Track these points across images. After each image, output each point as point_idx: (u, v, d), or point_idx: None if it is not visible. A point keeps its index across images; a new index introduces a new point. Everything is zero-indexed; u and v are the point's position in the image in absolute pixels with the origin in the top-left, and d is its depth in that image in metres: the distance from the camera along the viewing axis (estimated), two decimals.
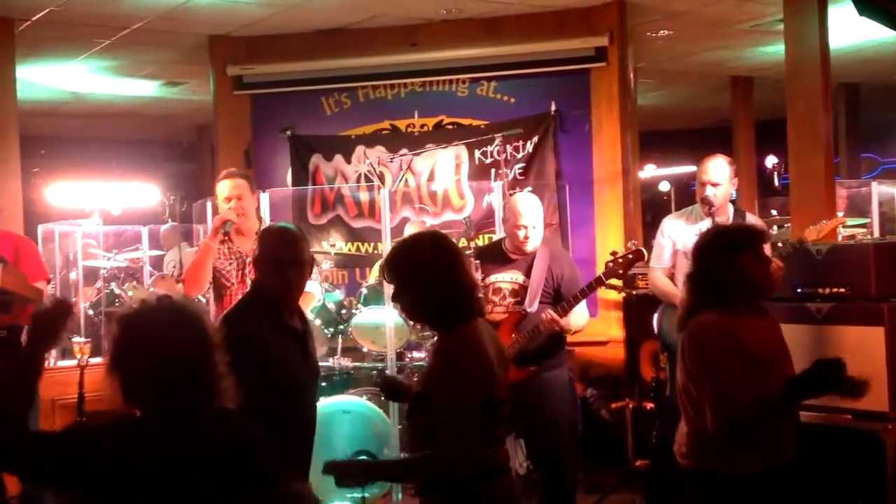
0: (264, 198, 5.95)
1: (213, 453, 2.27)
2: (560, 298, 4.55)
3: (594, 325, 6.85)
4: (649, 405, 5.90)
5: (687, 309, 3.14)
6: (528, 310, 4.50)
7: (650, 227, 5.60)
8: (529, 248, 4.57)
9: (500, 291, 4.60)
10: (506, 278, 4.61)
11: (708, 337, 3.01)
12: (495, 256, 4.68)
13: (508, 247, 4.66)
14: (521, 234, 4.55)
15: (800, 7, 6.10)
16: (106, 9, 6.60)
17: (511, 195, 5.23)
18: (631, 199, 7.18)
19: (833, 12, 6.04)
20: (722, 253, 3.10)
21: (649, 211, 9.21)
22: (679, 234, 4.88)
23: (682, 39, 8.14)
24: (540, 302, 4.52)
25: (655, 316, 5.08)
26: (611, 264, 4.60)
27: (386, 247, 6.08)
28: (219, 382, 2.30)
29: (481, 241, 6.38)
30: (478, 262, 4.65)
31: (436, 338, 2.91)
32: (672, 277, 4.92)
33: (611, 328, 6.85)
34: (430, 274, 2.76)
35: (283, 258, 3.28)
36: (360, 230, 7.41)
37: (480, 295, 3.20)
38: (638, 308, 6.14)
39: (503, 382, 2.84)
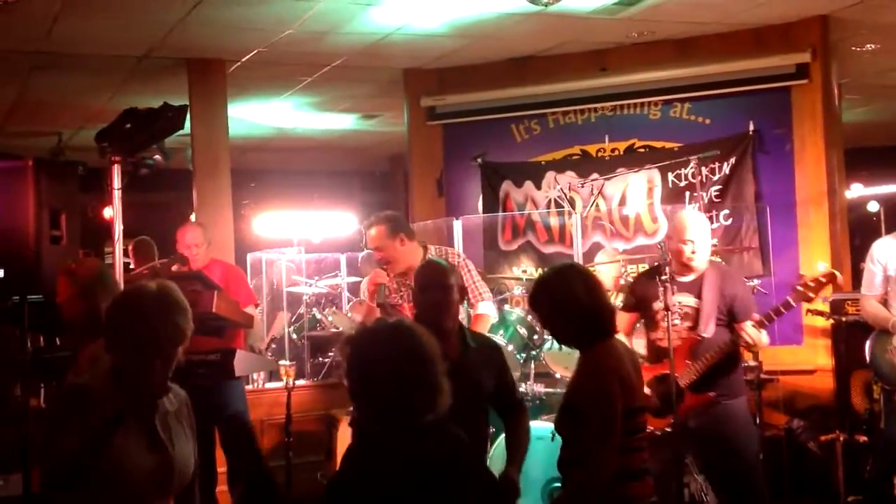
0: (457, 225, 6.08)
1: (438, 463, 2.43)
2: (735, 319, 4.39)
3: (800, 353, 6.57)
4: (862, 438, 5.56)
5: None
6: (704, 334, 4.34)
7: (859, 250, 5.30)
8: (696, 264, 4.41)
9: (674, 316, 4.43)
10: (675, 302, 4.41)
11: None
12: (660, 281, 4.48)
13: (674, 268, 4.47)
14: (688, 249, 4.41)
15: None
16: (309, 48, 6.94)
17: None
18: (837, 220, 6.83)
19: None
20: None
21: (857, 233, 8.70)
22: (891, 259, 4.61)
23: (890, 53, 7.69)
24: (716, 325, 4.36)
25: (868, 344, 4.79)
26: (800, 288, 4.39)
27: None
28: (438, 395, 2.48)
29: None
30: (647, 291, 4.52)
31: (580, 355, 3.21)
32: (885, 304, 4.64)
33: (818, 356, 6.52)
34: (577, 300, 3.12)
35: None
36: (551, 256, 7.40)
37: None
38: (848, 335, 5.82)
39: (640, 392, 3.19)
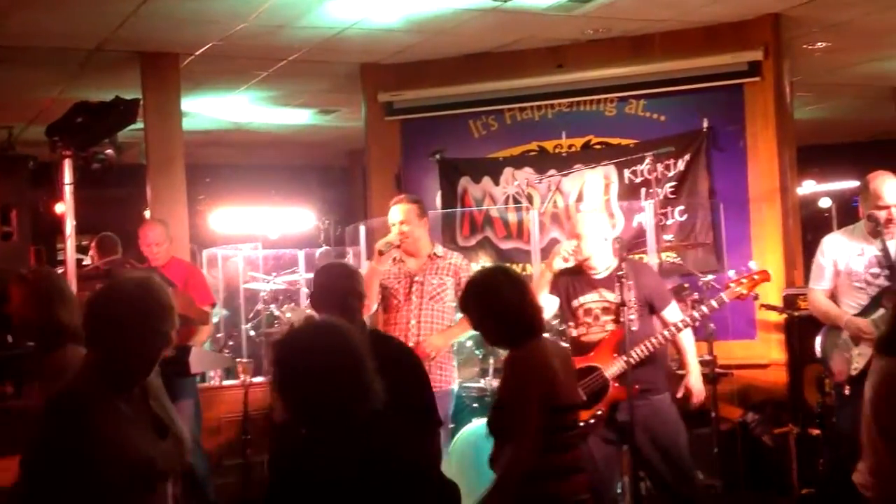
0: None
1: (374, 456, 2.41)
2: (654, 310, 4.53)
3: (754, 348, 6.66)
4: (815, 432, 5.65)
5: (887, 336, 2.83)
6: (631, 328, 4.40)
7: (811, 246, 5.38)
8: (593, 263, 4.50)
9: (591, 312, 4.55)
10: (594, 298, 4.54)
11: None
12: (577, 278, 4.62)
13: (584, 266, 4.59)
14: (582, 246, 4.49)
15: None
16: (264, 42, 6.89)
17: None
18: (790, 216, 6.93)
19: None
20: None
21: (809, 229, 8.84)
22: (841, 253, 4.66)
23: (842, 51, 7.81)
24: (639, 316, 4.45)
25: (818, 339, 4.86)
26: (732, 284, 4.55)
27: (535, 268, 6.08)
28: (370, 393, 2.45)
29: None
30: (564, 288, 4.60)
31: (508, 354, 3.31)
32: (834, 298, 4.71)
33: (771, 351, 6.61)
34: (505, 302, 3.23)
35: None
36: (509, 251, 7.42)
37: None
38: (800, 330, 5.90)
39: (570, 390, 3.32)
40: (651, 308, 4.55)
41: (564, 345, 4.50)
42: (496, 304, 3.25)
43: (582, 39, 7.18)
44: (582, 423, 4.35)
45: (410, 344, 4.65)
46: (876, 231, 4.51)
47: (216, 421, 6.12)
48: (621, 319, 4.38)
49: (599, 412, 4.40)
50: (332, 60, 7.57)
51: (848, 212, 9.81)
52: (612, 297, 4.49)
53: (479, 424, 5.11)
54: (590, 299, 4.56)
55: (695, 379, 4.60)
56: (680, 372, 4.84)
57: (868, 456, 2.87)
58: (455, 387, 4.96)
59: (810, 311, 5.03)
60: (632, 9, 6.47)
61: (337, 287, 3.69)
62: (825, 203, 11.37)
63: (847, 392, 4.54)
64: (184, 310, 5.03)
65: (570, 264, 4.59)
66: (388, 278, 4.91)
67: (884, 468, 2.79)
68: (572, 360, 3.46)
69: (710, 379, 5.70)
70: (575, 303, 4.58)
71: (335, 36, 6.83)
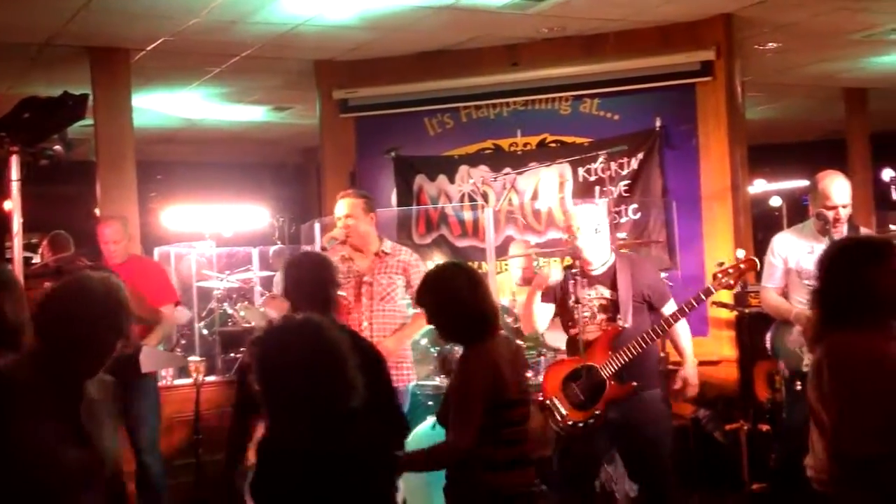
0: None
1: (349, 451, 2.43)
2: (652, 308, 4.45)
3: (706, 345, 6.71)
4: (765, 427, 5.72)
5: (818, 328, 2.96)
6: (625, 325, 4.37)
7: (761, 244, 5.45)
8: (587, 256, 4.44)
9: (588, 309, 4.47)
10: (591, 295, 4.46)
11: (849, 359, 2.81)
12: (575, 276, 4.53)
13: (580, 262, 4.51)
14: (576, 239, 4.44)
15: None
16: (217, 38, 6.81)
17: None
18: (741, 215, 7.01)
19: None
20: (850, 267, 2.93)
21: (760, 227, 8.96)
22: (791, 251, 4.73)
23: (792, 52, 7.93)
24: (634, 313, 4.40)
25: (769, 335, 4.92)
26: (720, 275, 4.43)
27: (490, 266, 6.09)
28: (352, 389, 2.47)
29: None
30: (571, 281, 4.51)
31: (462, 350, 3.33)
32: (785, 296, 4.77)
33: (723, 347, 6.68)
34: (461, 299, 3.23)
35: None
36: (464, 249, 7.42)
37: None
38: (751, 327, 5.96)
39: (518, 386, 3.32)
40: (649, 305, 4.47)
41: (520, 342, 4.49)
42: (452, 300, 3.25)
43: (537, 38, 7.20)
44: (581, 424, 4.34)
45: None
46: (824, 229, 4.57)
47: (168, 420, 6.03)
48: (617, 317, 4.36)
49: (598, 412, 4.33)
50: (286, 57, 7.52)
51: (798, 210, 9.98)
52: (608, 293, 4.44)
53: (432, 422, 5.10)
54: (586, 295, 4.47)
55: (690, 370, 4.53)
56: (670, 367, 4.81)
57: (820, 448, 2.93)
58: (411, 385, 4.93)
59: (762, 308, 5.09)
60: (586, 8, 6.51)
61: (319, 278, 3.64)
62: (776, 202, 11.53)
63: (798, 387, 4.59)
64: (134, 308, 5.00)
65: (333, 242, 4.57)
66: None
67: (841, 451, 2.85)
68: (524, 356, 3.49)
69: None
70: (571, 301, 4.48)
71: (289, 32, 6.78)
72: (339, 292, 4.53)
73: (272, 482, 2.46)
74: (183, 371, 6.54)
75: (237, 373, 3.96)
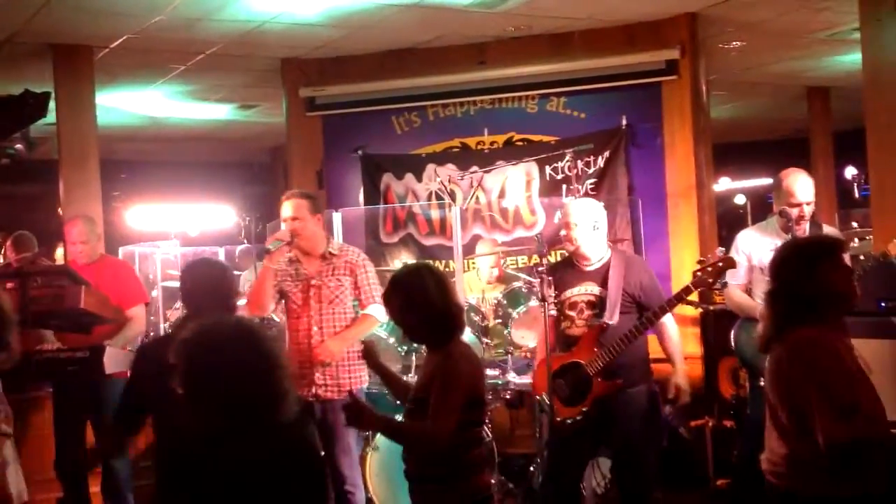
0: (337, 217, 6.02)
1: (279, 463, 2.37)
2: (643, 308, 4.43)
3: None
4: (729, 423, 5.77)
5: (772, 327, 3.02)
6: (609, 322, 4.35)
7: (726, 241, 5.49)
8: (584, 251, 4.43)
9: (577, 306, 4.45)
10: (581, 291, 4.46)
11: (805, 354, 2.88)
12: (567, 271, 4.55)
13: (574, 257, 4.51)
14: (572, 233, 4.41)
15: (876, 15, 5.94)
16: (181, 35, 6.76)
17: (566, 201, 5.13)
18: (706, 212, 7.07)
19: None
20: (802, 266, 3.00)
21: (725, 224, 9.05)
22: (754, 249, 4.77)
23: (756, 51, 8.01)
24: (621, 313, 4.38)
25: (733, 332, 4.96)
26: (699, 273, 4.38)
27: (458, 264, 6.09)
28: (287, 395, 2.41)
29: (553, 257, 6.33)
30: (550, 278, 4.52)
31: (428, 352, 3.35)
32: (749, 292, 4.81)
33: (688, 344, 6.69)
34: (430, 300, 3.23)
35: None
36: (432, 248, 7.43)
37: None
38: (715, 324, 6.02)
39: (482, 387, 3.38)
40: (638, 305, 4.45)
41: (487, 340, 4.48)
42: (420, 300, 3.25)
43: (504, 37, 7.22)
44: (570, 421, 4.34)
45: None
46: (788, 227, 4.62)
47: None
48: (604, 315, 4.34)
49: (585, 409, 4.34)
50: (251, 54, 7.47)
51: (763, 208, 10.08)
52: (597, 289, 4.43)
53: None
54: (576, 292, 4.46)
55: (680, 378, 4.50)
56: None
57: (780, 443, 2.98)
58: (365, 387, 4.85)
59: (727, 305, 5.13)
60: (552, 7, 6.53)
61: (222, 288, 3.59)
62: (740, 200, 11.65)
63: (762, 383, 4.61)
64: (97, 308, 4.95)
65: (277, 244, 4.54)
66: (286, 280, 4.67)
67: (795, 446, 2.91)
68: (478, 357, 3.50)
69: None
70: (563, 296, 4.47)
71: (255, 29, 6.74)
72: (239, 301, 4.53)
73: (186, 484, 2.40)
74: None
75: (132, 375, 3.76)
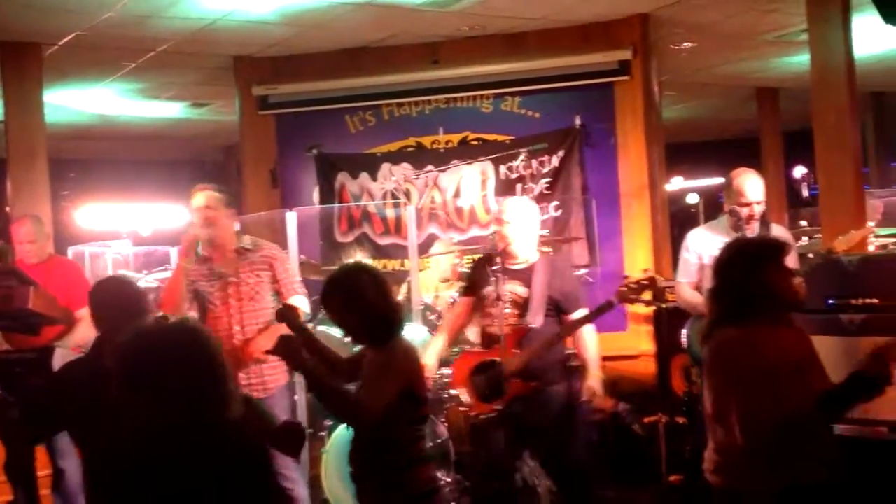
0: (290, 216, 5.97)
1: (225, 462, 2.36)
2: (561, 312, 4.51)
3: (625, 340, 6.84)
4: (681, 419, 5.83)
5: (710, 324, 3.12)
6: (532, 325, 4.42)
7: (678, 240, 5.56)
8: (514, 248, 4.46)
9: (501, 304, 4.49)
10: (505, 290, 4.47)
11: (728, 352, 2.99)
12: (493, 268, 4.56)
13: (504, 256, 4.52)
14: (504, 230, 4.45)
15: (824, 17, 6.05)
16: (132, 32, 6.67)
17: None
18: (659, 212, 7.14)
19: (857, 21, 5.99)
20: (743, 266, 3.07)
21: (678, 223, 9.15)
22: (705, 247, 4.82)
23: (706, 52, 8.11)
24: (544, 316, 4.45)
25: (684, 329, 5.03)
26: (623, 288, 4.56)
27: (413, 263, 6.09)
28: (230, 396, 2.42)
29: None
30: (500, 274, 4.50)
31: (369, 352, 3.33)
32: (699, 290, 4.87)
33: (641, 342, 6.80)
34: (368, 300, 3.25)
35: None
36: (387, 247, 7.42)
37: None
38: (668, 321, 6.08)
39: (423, 385, 3.39)
40: (558, 309, 4.50)
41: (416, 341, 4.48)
42: (358, 300, 3.26)
43: (458, 36, 7.22)
44: (483, 417, 4.41)
45: None
46: (738, 226, 4.68)
47: None
48: (526, 315, 4.38)
49: (499, 407, 4.39)
50: (203, 52, 7.40)
51: (715, 206, 10.17)
52: (522, 290, 4.46)
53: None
54: (501, 290, 4.47)
55: (594, 382, 4.53)
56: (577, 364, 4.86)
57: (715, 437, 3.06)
58: (291, 379, 4.81)
59: (678, 303, 5.19)
60: (506, 7, 6.55)
61: (134, 308, 3.48)
62: (693, 199, 11.76)
63: None
64: (45, 309, 4.88)
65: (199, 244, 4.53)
66: (200, 281, 4.58)
67: (720, 442, 3.00)
68: (418, 357, 3.47)
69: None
70: (485, 292, 4.51)
71: (206, 27, 6.68)
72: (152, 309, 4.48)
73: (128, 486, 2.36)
74: None
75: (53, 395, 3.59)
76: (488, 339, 4.56)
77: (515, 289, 4.49)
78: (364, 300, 3.26)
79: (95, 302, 3.56)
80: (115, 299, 3.54)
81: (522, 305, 4.45)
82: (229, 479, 2.34)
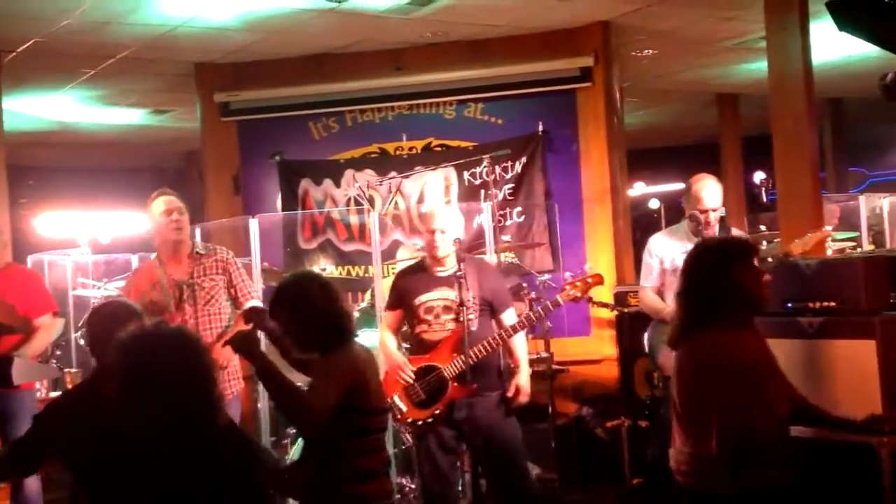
0: (253, 223, 5.95)
1: (219, 462, 2.43)
2: (494, 311, 4.56)
3: (588, 344, 6.88)
4: (644, 423, 5.88)
5: (681, 327, 3.11)
6: (471, 328, 4.43)
7: (640, 245, 5.61)
8: (442, 254, 4.52)
9: (433, 310, 4.53)
10: (437, 296, 4.53)
11: (704, 356, 2.98)
12: (419, 276, 4.62)
13: (429, 263, 4.60)
14: (437, 239, 4.48)
15: (782, 24, 6.13)
16: (91, 39, 6.61)
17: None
18: (621, 216, 7.20)
19: (815, 28, 6.08)
20: (715, 266, 3.08)
21: (640, 228, 9.22)
22: (666, 252, 4.87)
23: (667, 58, 8.18)
24: (479, 317, 4.50)
25: (647, 334, 5.07)
26: (568, 287, 4.65)
27: (377, 270, 6.08)
28: (220, 401, 2.48)
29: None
30: (406, 286, 4.58)
31: (318, 359, 3.31)
32: (661, 295, 4.92)
33: (604, 346, 6.84)
34: (315, 307, 3.25)
35: None
36: (351, 254, 7.41)
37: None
38: (631, 326, 6.13)
39: (378, 395, 3.39)
40: (491, 308, 4.57)
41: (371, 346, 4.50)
42: (306, 309, 3.26)
43: (421, 43, 7.23)
44: (420, 423, 4.43)
45: None
46: (697, 230, 4.74)
47: None
48: (461, 319, 4.40)
49: (438, 411, 4.44)
50: (164, 59, 7.34)
51: (676, 211, 10.24)
52: (454, 295, 4.48)
53: None
54: (431, 297, 4.53)
55: (524, 379, 4.60)
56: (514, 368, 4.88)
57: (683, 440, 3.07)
58: (238, 391, 4.80)
59: (640, 307, 5.23)
60: (469, 13, 6.57)
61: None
62: (654, 204, 11.85)
63: None
64: (3, 318, 4.81)
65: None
66: (151, 289, 4.59)
67: (694, 445, 3.01)
68: (377, 365, 3.49)
69: (548, 375, 5.86)
70: (417, 301, 4.55)
71: (167, 33, 6.63)
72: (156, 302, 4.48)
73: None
74: (59, 383, 6.32)
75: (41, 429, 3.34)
76: (421, 346, 4.58)
77: (446, 294, 4.53)
78: (312, 308, 3.25)
79: (93, 331, 3.38)
80: (114, 325, 3.24)
81: (455, 310, 4.48)
82: (220, 482, 2.39)
